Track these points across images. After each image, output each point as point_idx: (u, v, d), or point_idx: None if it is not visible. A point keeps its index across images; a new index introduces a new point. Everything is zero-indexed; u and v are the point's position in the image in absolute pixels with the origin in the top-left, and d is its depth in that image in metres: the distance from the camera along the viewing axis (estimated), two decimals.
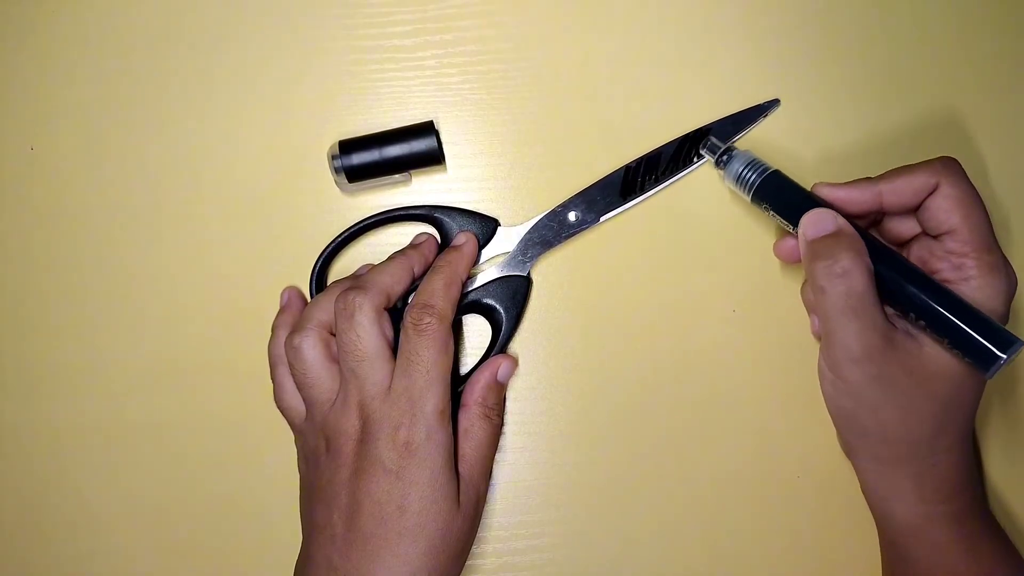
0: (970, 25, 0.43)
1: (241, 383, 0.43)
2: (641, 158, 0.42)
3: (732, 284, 0.43)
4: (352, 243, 0.43)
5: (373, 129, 0.42)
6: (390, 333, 0.38)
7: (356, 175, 0.41)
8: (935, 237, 0.36)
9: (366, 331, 0.37)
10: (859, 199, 0.36)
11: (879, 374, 0.34)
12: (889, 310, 0.36)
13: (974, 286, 0.34)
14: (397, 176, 0.42)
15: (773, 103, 0.43)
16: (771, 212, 0.38)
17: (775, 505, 0.43)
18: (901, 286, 0.34)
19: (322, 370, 0.38)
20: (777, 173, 0.38)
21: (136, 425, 0.43)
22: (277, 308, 0.43)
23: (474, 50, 0.44)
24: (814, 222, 0.36)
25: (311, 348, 0.38)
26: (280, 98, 0.44)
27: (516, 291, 0.42)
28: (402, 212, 0.43)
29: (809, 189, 0.38)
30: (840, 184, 0.37)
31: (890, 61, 0.43)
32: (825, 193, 0.37)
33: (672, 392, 0.43)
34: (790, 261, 0.39)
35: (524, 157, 0.44)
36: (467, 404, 0.40)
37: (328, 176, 0.43)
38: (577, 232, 0.43)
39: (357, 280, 0.39)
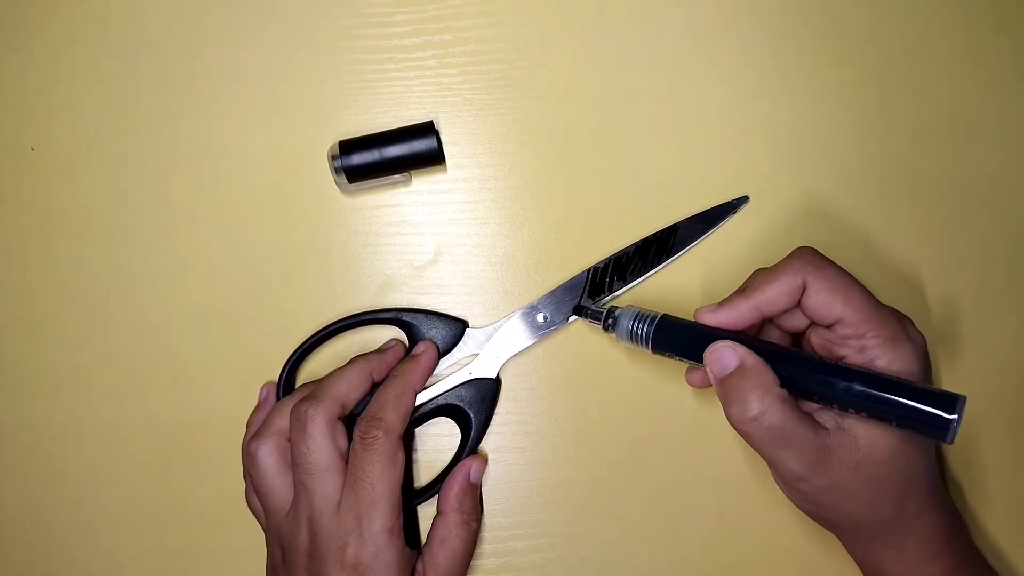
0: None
1: (241, 383, 0.43)
2: (609, 259, 0.42)
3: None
4: (321, 346, 0.43)
5: (373, 129, 0.42)
6: (344, 444, 0.38)
7: (356, 175, 0.41)
8: (828, 326, 0.36)
9: (317, 443, 0.37)
10: (740, 319, 0.36)
11: (827, 483, 0.34)
12: (812, 405, 0.35)
13: (884, 363, 0.34)
14: (397, 176, 0.42)
15: (742, 200, 0.43)
16: (675, 357, 0.38)
17: (774, 505, 0.43)
18: (830, 386, 0.33)
19: (276, 479, 0.38)
20: (665, 317, 0.38)
21: (136, 425, 0.43)
22: (277, 306, 0.43)
23: (474, 50, 0.44)
24: (716, 360, 0.35)
25: (266, 456, 0.38)
26: (280, 98, 0.44)
27: (485, 394, 0.42)
28: (369, 316, 0.43)
29: (692, 317, 0.37)
30: (718, 308, 0.36)
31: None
32: (708, 320, 0.36)
33: (672, 392, 0.43)
34: (704, 388, 0.39)
35: (524, 157, 0.44)
36: (444, 511, 0.40)
37: (328, 176, 0.43)
38: (546, 333, 0.42)
39: (313, 390, 0.39)
